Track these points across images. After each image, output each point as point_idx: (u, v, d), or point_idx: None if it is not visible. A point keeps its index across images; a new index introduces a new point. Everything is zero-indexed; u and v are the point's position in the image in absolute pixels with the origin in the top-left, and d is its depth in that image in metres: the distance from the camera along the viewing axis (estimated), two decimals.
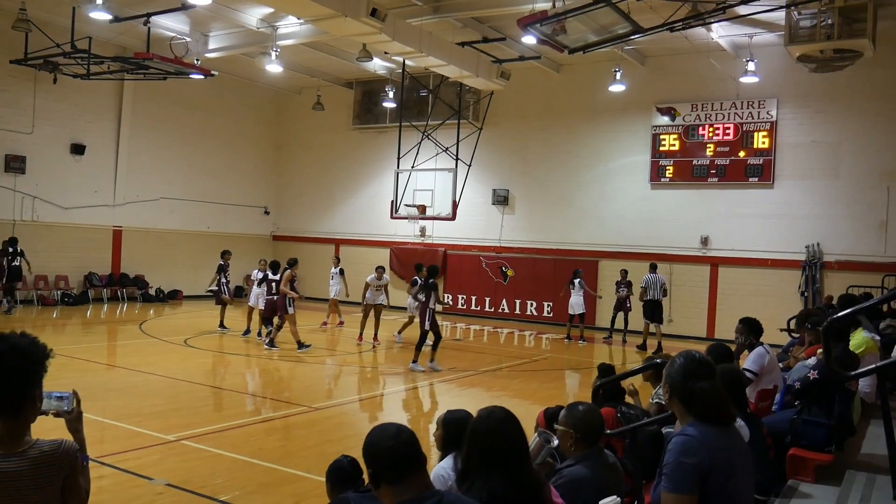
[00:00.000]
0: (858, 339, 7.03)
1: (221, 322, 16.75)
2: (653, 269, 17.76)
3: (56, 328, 17.23)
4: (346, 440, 8.25)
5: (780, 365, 7.30)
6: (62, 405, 2.64)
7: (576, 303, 18.01)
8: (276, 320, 14.97)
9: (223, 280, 17.17)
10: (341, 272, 18.83)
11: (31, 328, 15.14)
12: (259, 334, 15.68)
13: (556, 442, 3.72)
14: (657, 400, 6.19)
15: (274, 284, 15.03)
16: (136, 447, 7.63)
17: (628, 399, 6.02)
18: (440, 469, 3.68)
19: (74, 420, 2.67)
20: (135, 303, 22.24)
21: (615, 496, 3.49)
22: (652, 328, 17.44)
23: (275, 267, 15.48)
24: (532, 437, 4.10)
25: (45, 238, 20.42)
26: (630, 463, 4.84)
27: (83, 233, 21.42)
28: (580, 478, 3.53)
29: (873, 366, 5.34)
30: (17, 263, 18.69)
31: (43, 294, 20.39)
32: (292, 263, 15.13)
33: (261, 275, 15.89)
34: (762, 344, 6.97)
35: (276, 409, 10.10)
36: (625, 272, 18.40)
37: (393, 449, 2.56)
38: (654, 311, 17.37)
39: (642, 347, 17.34)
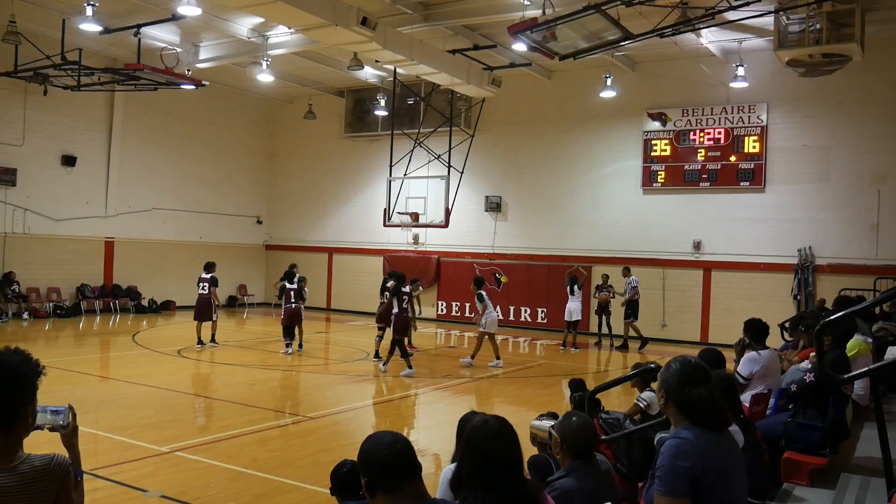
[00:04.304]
0: (851, 342, 7.06)
1: (213, 337, 16.07)
2: (630, 272, 18.64)
3: (49, 340, 17.15)
4: (342, 449, 8.22)
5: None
6: (58, 419, 2.62)
7: (574, 309, 18.02)
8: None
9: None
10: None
11: (23, 341, 15.09)
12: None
13: None
14: (642, 404, 6.26)
15: (293, 293, 15.58)
16: (130, 459, 7.59)
17: None
18: (448, 471, 3.72)
19: (70, 435, 2.64)
20: (128, 314, 22.15)
21: (608, 503, 3.51)
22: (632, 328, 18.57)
23: (290, 277, 15.91)
24: (548, 423, 4.17)
25: (37, 250, 20.36)
26: (623, 467, 4.85)
27: (75, 244, 21.35)
28: (571, 490, 3.55)
29: (866, 368, 5.36)
30: None
31: (35, 306, 20.30)
32: (412, 280, 15.95)
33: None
34: (760, 348, 6.96)
35: (270, 419, 10.06)
36: (606, 276, 18.74)
37: (388, 458, 2.54)
38: (637, 310, 18.39)
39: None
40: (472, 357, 14.86)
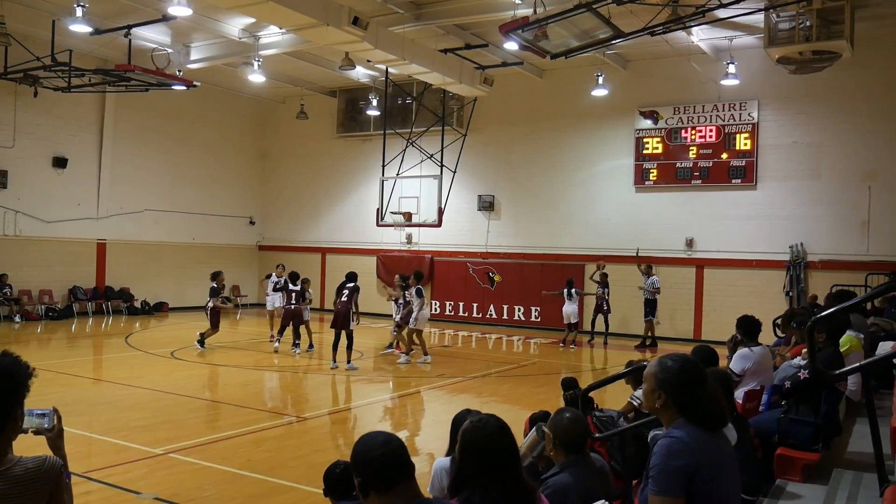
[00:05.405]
0: (843, 338, 7.07)
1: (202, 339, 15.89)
2: (652, 270, 18.65)
3: (41, 343, 17.08)
4: (336, 450, 8.24)
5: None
6: (43, 422, 2.61)
7: (570, 312, 18.04)
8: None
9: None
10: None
11: (15, 344, 14.97)
12: (278, 340, 16.04)
13: None
14: (635, 402, 6.26)
15: (294, 295, 15.77)
16: (124, 461, 7.57)
17: None
18: (442, 462, 3.72)
19: (55, 437, 2.64)
20: (120, 316, 22.08)
21: (603, 500, 3.51)
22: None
23: (294, 278, 16.05)
24: (530, 432, 4.16)
25: (29, 252, 20.28)
26: (618, 465, 4.86)
27: (67, 246, 21.26)
28: (565, 486, 3.56)
29: (857, 364, 5.38)
30: None
31: (27, 309, 20.21)
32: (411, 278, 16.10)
33: (281, 280, 16.62)
34: (752, 344, 6.98)
35: (264, 420, 10.04)
36: (604, 275, 18.61)
37: (381, 458, 2.54)
38: (655, 308, 18.51)
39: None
40: (426, 353, 15.14)
